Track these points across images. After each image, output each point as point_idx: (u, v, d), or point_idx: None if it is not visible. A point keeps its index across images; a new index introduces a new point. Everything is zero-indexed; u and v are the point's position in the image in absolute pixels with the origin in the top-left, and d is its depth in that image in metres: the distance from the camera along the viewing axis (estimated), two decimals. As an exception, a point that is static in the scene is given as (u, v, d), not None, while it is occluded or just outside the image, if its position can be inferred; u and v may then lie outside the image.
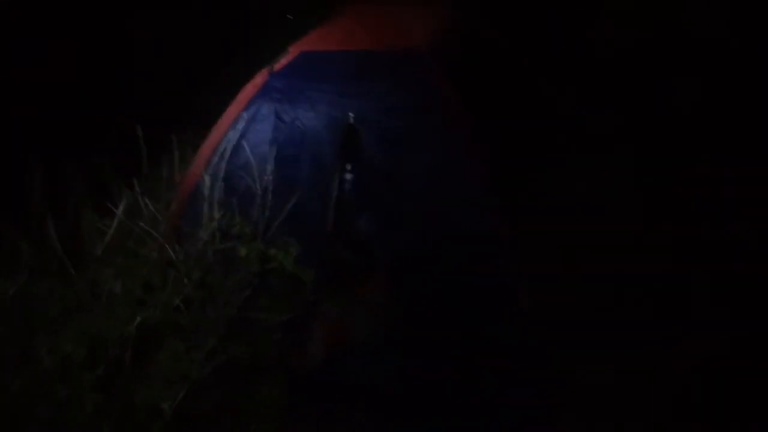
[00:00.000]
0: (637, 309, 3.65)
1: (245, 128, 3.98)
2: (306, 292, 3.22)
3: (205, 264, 3.05)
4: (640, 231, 3.90)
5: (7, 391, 2.58)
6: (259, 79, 4.08)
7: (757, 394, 3.29)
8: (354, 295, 4.05)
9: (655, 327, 3.59)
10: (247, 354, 3.04)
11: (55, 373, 2.60)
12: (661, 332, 3.53)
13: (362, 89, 3.95)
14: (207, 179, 3.42)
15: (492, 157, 3.70)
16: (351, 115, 3.92)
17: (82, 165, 3.56)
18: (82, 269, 2.90)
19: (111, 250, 2.95)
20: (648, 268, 3.79)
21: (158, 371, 2.70)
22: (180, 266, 2.92)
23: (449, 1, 4.79)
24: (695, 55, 4.89)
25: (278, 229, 3.63)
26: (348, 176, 4.32)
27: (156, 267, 2.91)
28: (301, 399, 3.39)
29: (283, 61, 4.08)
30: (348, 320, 3.93)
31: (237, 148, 3.90)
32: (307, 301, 3.26)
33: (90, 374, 2.59)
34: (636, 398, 3.30)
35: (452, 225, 3.77)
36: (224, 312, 2.99)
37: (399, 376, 3.59)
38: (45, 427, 2.59)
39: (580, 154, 4.04)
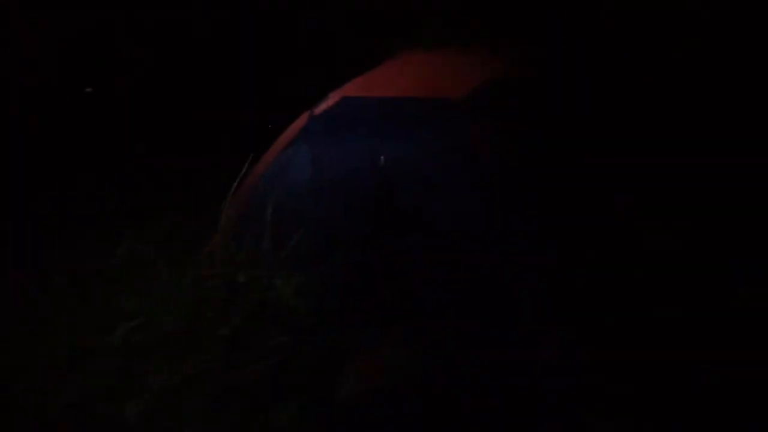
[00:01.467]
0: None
1: (281, 169, 4.25)
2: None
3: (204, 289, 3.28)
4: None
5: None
6: (299, 122, 4.38)
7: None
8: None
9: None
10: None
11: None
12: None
13: (398, 135, 4.12)
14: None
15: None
16: (382, 158, 4.07)
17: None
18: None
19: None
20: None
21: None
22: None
23: (497, 49, 4.80)
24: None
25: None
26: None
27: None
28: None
29: (323, 106, 4.35)
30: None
31: (272, 187, 4.16)
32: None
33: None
34: None
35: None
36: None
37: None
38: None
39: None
